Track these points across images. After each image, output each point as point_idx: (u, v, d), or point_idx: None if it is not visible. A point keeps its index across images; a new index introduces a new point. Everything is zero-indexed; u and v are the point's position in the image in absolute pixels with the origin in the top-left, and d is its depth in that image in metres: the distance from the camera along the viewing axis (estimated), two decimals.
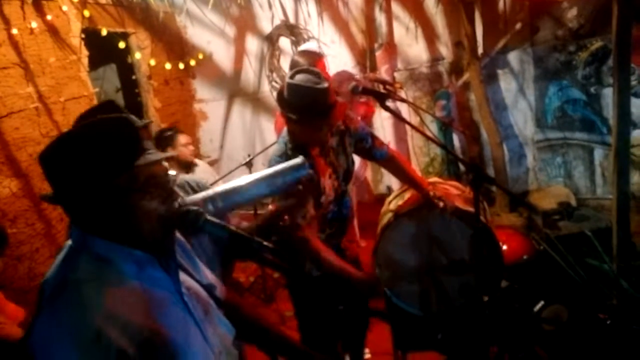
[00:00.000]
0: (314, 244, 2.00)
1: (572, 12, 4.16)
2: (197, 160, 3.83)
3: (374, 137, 2.27)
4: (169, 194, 1.08)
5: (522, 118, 4.55)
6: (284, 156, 1.97)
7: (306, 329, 2.30)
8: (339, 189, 2.17)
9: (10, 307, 2.14)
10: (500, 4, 4.35)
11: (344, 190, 2.20)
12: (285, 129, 2.08)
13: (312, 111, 1.85)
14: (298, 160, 1.54)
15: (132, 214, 1.03)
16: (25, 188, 3.11)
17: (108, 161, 0.99)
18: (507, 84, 4.54)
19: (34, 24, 3.27)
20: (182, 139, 3.54)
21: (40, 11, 3.36)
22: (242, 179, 1.49)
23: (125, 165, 1.01)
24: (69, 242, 1.06)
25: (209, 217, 1.14)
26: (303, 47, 4.02)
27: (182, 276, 1.14)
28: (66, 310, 0.95)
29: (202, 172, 3.93)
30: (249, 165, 4.00)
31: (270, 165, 2.02)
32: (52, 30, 3.46)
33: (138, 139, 1.04)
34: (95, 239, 1.03)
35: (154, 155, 1.05)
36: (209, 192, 1.44)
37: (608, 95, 4.09)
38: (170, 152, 3.21)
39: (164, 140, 3.48)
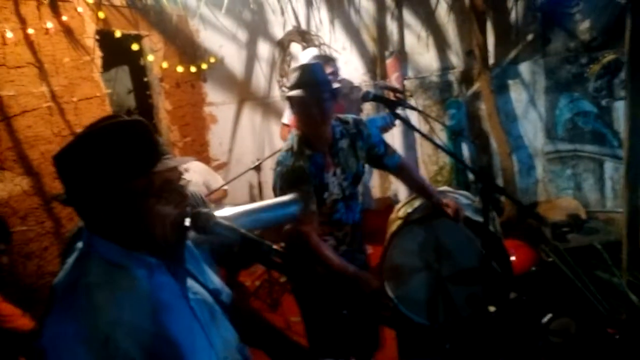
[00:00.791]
0: (314, 240, 2.01)
1: (585, 24, 4.14)
2: (189, 164, 3.79)
3: (386, 145, 2.29)
4: (182, 199, 1.09)
5: (532, 129, 4.54)
6: (290, 151, 2.08)
7: (313, 334, 2.30)
8: (346, 190, 2.16)
9: (7, 306, 2.14)
10: (513, 15, 4.35)
11: (353, 193, 2.19)
12: (290, 134, 2.15)
13: (311, 82, 2.00)
14: (291, 196, 1.55)
15: (146, 218, 1.03)
16: (36, 186, 3.13)
17: (125, 164, 1.00)
18: (517, 95, 4.52)
19: (49, 24, 3.31)
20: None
21: (56, 12, 3.40)
22: (232, 210, 1.50)
23: (142, 170, 1.01)
24: (79, 244, 1.06)
25: (219, 220, 1.15)
26: (309, 53, 4.03)
27: (189, 281, 1.14)
28: (76, 313, 0.95)
29: (197, 175, 3.88)
30: (257, 169, 4.01)
31: (277, 163, 2.05)
32: (67, 31, 3.49)
33: (156, 144, 1.05)
34: (106, 242, 1.03)
35: (171, 160, 1.06)
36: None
37: (619, 108, 4.07)
38: (187, 158, 3.21)
39: None
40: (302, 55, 4.26)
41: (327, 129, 2.10)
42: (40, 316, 1.00)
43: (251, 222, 1.50)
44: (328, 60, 3.58)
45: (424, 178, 2.41)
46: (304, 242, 1.99)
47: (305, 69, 2.06)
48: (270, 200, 1.58)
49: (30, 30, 3.16)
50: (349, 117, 2.24)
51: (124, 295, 0.99)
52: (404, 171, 2.33)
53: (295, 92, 2.02)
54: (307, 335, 2.31)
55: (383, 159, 2.27)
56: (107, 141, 1.01)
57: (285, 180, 2.04)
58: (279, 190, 2.07)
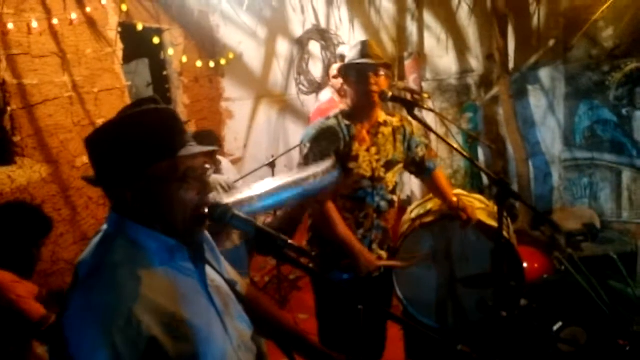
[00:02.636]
0: (328, 204, 2.08)
1: (608, 32, 4.09)
2: (220, 158, 3.87)
3: (428, 147, 2.37)
4: (205, 186, 1.11)
5: (550, 136, 4.49)
6: (326, 117, 2.18)
7: (326, 329, 2.31)
8: (376, 171, 2.18)
9: (25, 285, 2.20)
10: (535, 19, 4.31)
11: (382, 177, 2.20)
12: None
13: (372, 55, 2.11)
14: (328, 163, 1.56)
15: (168, 202, 1.06)
16: (54, 174, 3.19)
17: (150, 149, 1.03)
18: (536, 101, 4.48)
19: (73, 15, 3.36)
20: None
21: (80, 3, 3.45)
22: (270, 182, 1.51)
23: (167, 153, 1.04)
24: (105, 226, 1.09)
25: (236, 212, 1.16)
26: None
27: (207, 269, 1.17)
28: (101, 290, 0.98)
29: (226, 170, 3.97)
30: (271, 166, 4.03)
31: (307, 131, 2.16)
32: (90, 22, 3.55)
33: (183, 131, 1.08)
34: (132, 223, 1.06)
35: (195, 147, 1.08)
36: (242, 195, 1.46)
37: None
38: (210, 147, 3.23)
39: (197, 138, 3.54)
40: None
41: (376, 106, 2.17)
42: (66, 291, 1.02)
43: (297, 192, 1.52)
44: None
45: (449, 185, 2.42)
46: (317, 205, 2.06)
47: (365, 43, 2.16)
48: (310, 170, 1.60)
49: (54, 21, 3.21)
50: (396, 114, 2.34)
51: (146, 274, 1.01)
52: (438, 178, 2.36)
53: (358, 61, 2.11)
54: (319, 330, 2.32)
55: (424, 162, 2.33)
56: (133, 125, 1.05)
57: (311, 136, 2.12)
58: (303, 146, 2.15)
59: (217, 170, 3.63)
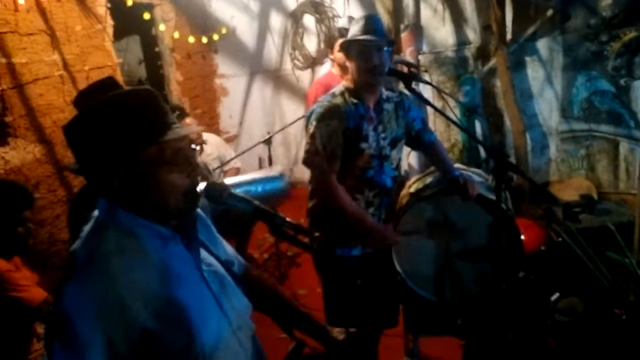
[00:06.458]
0: (333, 183, 2.06)
1: (607, 1, 4.02)
2: (206, 136, 3.83)
3: (424, 121, 2.35)
4: (193, 168, 1.09)
5: (547, 108, 4.46)
6: (332, 94, 2.14)
7: (329, 303, 2.33)
8: (383, 150, 2.18)
9: (24, 272, 2.17)
10: None
11: (388, 155, 2.20)
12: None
13: (376, 30, 2.04)
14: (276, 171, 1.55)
15: (158, 187, 1.04)
16: (48, 154, 3.16)
17: (134, 134, 1.00)
18: (534, 72, 4.43)
19: None
20: (188, 120, 3.57)
21: None
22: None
23: (152, 139, 1.01)
24: (95, 213, 1.08)
25: (232, 191, 1.15)
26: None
27: (202, 252, 1.16)
28: (94, 281, 0.97)
29: (216, 147, 3.93)
30: (267, 142, 4.00)
31: (315, 108, 2.13)
32: None
33: (165, 113, 1.05)
34: (122, 211, 1.04)
35: (181, 129, 1.05)
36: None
37: (638, 88, 3.98)
38: (195, 127, 3.23)
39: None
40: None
41: (380, 82, 2.13)
42: (59, 282, 1.01)
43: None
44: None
45: (450, 158, 2.42)
46: (324, 185, 2.05)
47: (369, 18, 2.10)
48: (258, 174, 1.61)
49: None
50: (394, 88, 2.30)
51: (137, 262, 1.01)
52: (437, 149, 2.36)
53: (361, 37, 2.05)
54: (325, 304, 2.34)
55: (420, 134, 2.32)
56: (115, 111, 1.01)
57: (318, 115, 2.08)
58: (310, 125, 2.11)
59: (202, 149, 3.65)
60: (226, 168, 3.96)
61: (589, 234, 3.01)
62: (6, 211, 2.00)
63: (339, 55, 3.60)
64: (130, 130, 0.99)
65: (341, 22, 4.27)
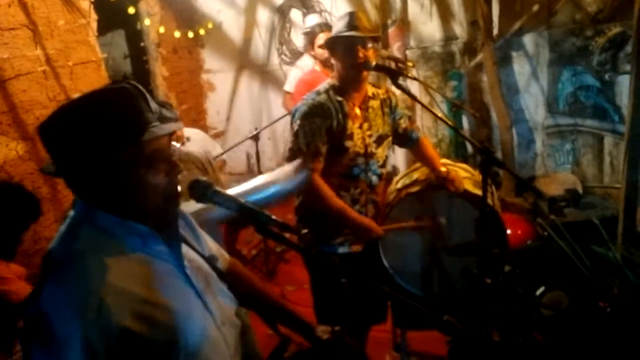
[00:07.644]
0: (317, 179, 2.07)
1: None
2: (192, 132, 3.76)
3: (411, 118, 2.38)
4: (172, 167, 1.07)
5: (533, 102, 4.49)
6: (317, 92, 2.13)
7: (319, 302, 2.33)
8: (368, 147, 2.18)
9: (11, 266, 2.17)
10: None
11: (374, 152, 2.20)
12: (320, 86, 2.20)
13: (359, 26, 2.05)
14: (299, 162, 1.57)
15: (137, 188, 1.02)
16: (31, 151, 3.10)
17: (111, 135, 0.97)
18: (520, 67, 4.46)
19: None
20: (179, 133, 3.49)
21: None
22: (245, 185, 1.52)
23: (129, 140, 0.98)
24: (72, 212, 1.06)
25: (217, 189, 1.14)
26: (311, 20, 3.98)
27: (184, 249, 1.15)
28: (71, 281, 0.96)
29: (202, 144, 3.86)
30: (255, 138, 3.98)
31: (298, 107, 2.13)
32: None
33: (142, 112, 1.00)
34: (99, 212, 1.02)
35: (158, 128, 1.02)
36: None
37: (622, 82, 4.01)
38: (175, 125, 3.16)
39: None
40: (306, 21, 4.18)
41: (365, 79, 2.14)
42: (38, 282, 0.99)
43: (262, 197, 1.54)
44: (329, 27, 3.51)
45: (437, 154, 2.44)
46: (308, 183, 2.05)
47: (353, 15, 2.11)
48: (271, 175, 1.61)
49: None
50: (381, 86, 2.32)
51: (114, 261, 0.99)
52: (424, 146, 2.38)
53: (346, 33, 2.06)
54: (314, 301, 2.35)
55: (407, 132, 2.34)
56: (91, 111, 0.98)
57: (302, 113, 2.09)
58: (294, 123, 2.11)
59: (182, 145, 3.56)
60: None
61: (574, 228, 3.04)
62: (18, 219, 2.16)
63: (320, 52, 3.58)
64: (104, 132, 0.96)
65: (309, 20, 4.18)
